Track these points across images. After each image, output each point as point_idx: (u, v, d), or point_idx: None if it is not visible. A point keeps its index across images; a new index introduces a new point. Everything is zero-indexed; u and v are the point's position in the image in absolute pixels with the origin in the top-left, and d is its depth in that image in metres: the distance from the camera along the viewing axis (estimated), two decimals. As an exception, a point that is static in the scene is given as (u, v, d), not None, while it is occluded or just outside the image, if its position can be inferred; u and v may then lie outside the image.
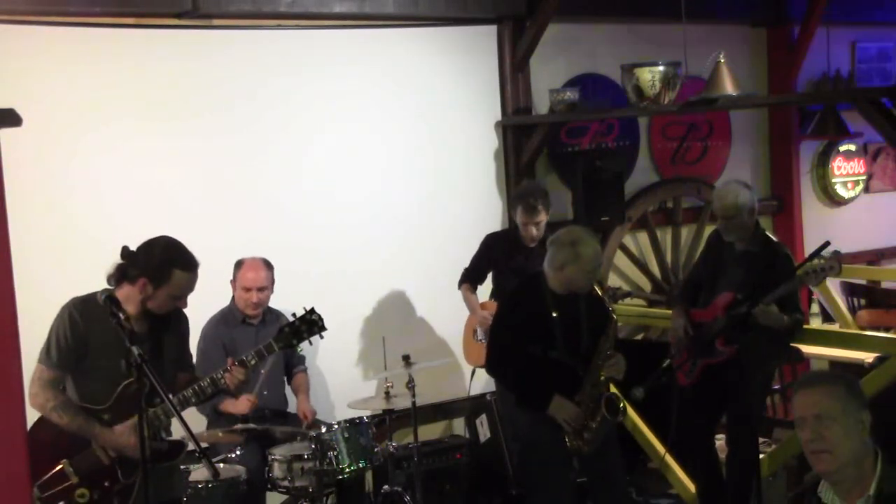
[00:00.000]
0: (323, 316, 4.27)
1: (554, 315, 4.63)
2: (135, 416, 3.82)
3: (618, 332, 4.73)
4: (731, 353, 4.90)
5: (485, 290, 6.19)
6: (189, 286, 3.91)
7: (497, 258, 6.04)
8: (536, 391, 4.67)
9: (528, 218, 5.84)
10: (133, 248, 3.88)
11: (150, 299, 3.85)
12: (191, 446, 3.75)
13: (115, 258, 3.88)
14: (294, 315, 4.26)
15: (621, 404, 4.64)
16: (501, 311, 4.90)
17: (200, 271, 3.98)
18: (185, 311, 4.15)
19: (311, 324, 4.24)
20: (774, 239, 5.16)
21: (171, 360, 3.99)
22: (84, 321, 3.83)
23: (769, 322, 4.69)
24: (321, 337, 4.30)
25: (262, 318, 5.52)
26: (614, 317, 4.61)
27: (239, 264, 5.50)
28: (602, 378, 4.63)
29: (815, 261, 4.65)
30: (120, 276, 3.85)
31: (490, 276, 6.17)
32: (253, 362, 4.10)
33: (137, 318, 3.84)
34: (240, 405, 5.17)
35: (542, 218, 5.86)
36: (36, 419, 3.80)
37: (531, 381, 4.68)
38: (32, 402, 3.76)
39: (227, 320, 5.51)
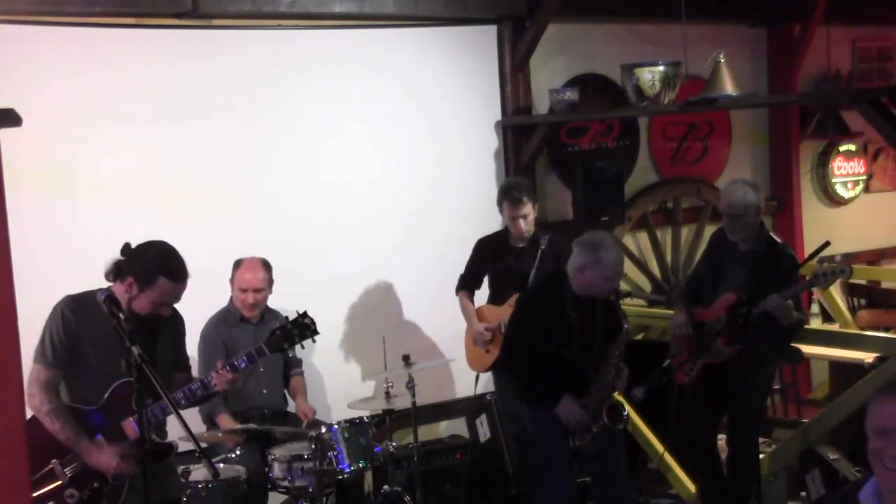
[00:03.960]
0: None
1: (572, 316, 4.64)
2: (120, 444, 3.83)
3: (626, 343, 4.73)
4: (734, 353, 4.90)
5: (482, 294, 6.19)
6: (172, 296, 3.90)
7: (488, 261, 6.02)
8: (547, 389, 4.68)
9: (515, 210, 5.79)
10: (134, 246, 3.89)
11: (134, 300, 3.85)
12: (191, 446, 3.75)
13: (114, 257, 3.89)
14: (287, 318, 4.26)
15: (624, 413, 4.66)
16: (521, 307, 4.91)
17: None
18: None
19: (303, 327, 4.22)
20: (778, 240, 5.15)
21: (164, 361, 3.99)
22: (76, 319, 3.84)
23: (780, 314, 4.70)
24: (313, 341, 4.29)
25: (260, 317, 5.51)
26: (626, 327, 4.62)
27: (237, 264, 5.48)
28: (609, 384, 4.65)
29: (826, 263, 4.67)
30: (116, 272, 3.87)
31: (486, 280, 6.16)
32: (243, 365, 4.10)
33: (127, 316, 3.83)
34: (232, 426, 5.19)
35: (529, 210, 5.82)
36: (28, 418, 3.80)
37: (543, 379, 4.69)
38: (29, 402, 3.76)
39: (225, 319, 5.50)
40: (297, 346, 4.33)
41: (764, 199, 5.24)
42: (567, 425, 4.64)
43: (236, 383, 4.17)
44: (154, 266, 3.81)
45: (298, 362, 5.71)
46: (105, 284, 3.90)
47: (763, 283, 4.75)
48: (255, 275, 5.43)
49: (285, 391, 5.67)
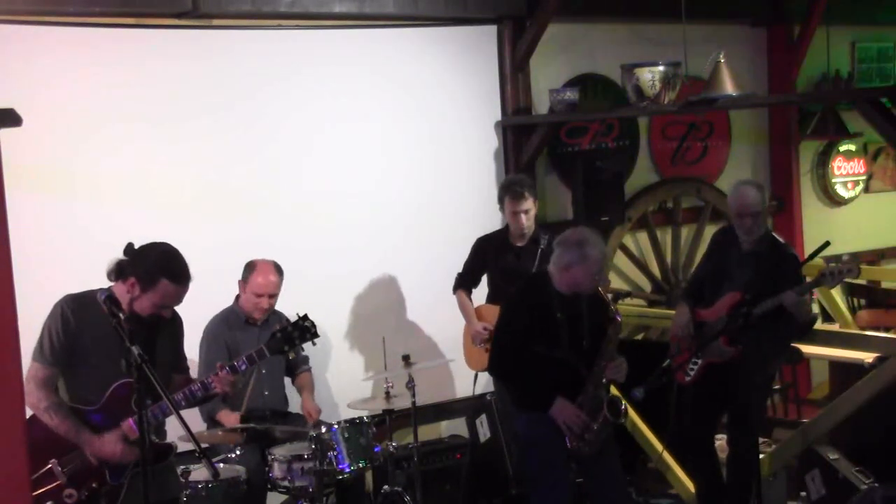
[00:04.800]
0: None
1: (558, 316, 4.63)
2: (121, 426, 3.83)
3: (619, 334, 4.72)
4: (736, 353, 4.90)
5: (480, 293, 6.19)
6: (174, 298, 3.90)
7: (488, 259, 6.02)
8: (539, 392, 4.66)
9: (516, 205, 5.79)
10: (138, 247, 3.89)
11: (136, 300, 3.85)
12: (191, 446, 3.75)
13: (116, 257, 3.89)
14: (287, 320, 4.26)
15: (623, 406, 4.65)
16: (506, 311, 4.88)
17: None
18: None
19: (303, 330, 4.22)
20: (781, 241, 5.16)
21: (163, 362, 3.98)
22: (76, 319, 3.84)
23: (797, 311, 4.71)
24: (313, 343, 4.29)
25: (265, 318, 5.50)
26: (619, 318, 4.60)
27: (251, 267, 5.44)
28: (604, 380, 4.63)
29: (833, 263, 4.68)
30: (118, 272, 3.87)
31: (485, 279, 6.15)
32: (243, 367, 4.10)
33: (128, 316, 3.84)
34: (230, 419, 5.18)
35: (530, 206, 5.82)
36: (28, 417, 3.80)
37: (534, 382, 4.67)
38: (27, 400, 3.74)
39: (229, 321, 5.48)
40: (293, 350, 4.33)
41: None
42: (563, 428, 4.62)
43: (236, 385, 4.17)
44: (157, 267, 3.82)
45: (305, 359, 5.70)
46: (107, 284, 3.90)
47: (766, 282, 4.75)
48: (269, 279, 5.41)
49: (286, 392, 5.67)
